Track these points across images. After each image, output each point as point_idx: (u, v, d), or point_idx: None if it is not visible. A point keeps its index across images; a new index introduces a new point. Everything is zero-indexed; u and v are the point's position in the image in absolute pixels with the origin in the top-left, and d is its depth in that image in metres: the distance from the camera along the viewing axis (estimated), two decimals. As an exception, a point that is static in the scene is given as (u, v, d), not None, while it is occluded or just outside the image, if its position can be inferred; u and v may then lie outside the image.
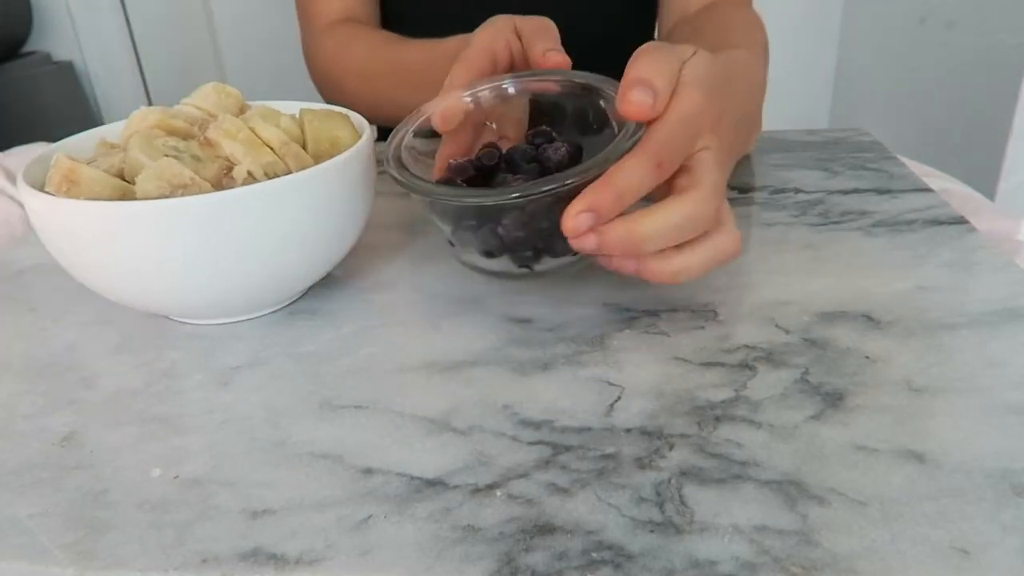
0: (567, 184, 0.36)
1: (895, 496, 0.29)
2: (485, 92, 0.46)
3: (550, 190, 0.36)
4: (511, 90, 0.46)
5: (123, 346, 0.43)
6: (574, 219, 0.35)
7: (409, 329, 0.43)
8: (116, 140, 0.45)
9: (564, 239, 0.37)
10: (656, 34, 0.88)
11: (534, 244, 0.39)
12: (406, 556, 0.28)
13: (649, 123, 0.36)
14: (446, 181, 0.43)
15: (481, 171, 0.43)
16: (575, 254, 0.40)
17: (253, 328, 0.44)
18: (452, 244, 0.42)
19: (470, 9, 0.79)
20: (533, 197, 0.37)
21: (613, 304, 0.44)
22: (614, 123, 0.41)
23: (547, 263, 0.41)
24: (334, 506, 0.30)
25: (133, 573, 0.28)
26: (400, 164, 0.41)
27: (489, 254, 0.41)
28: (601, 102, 0.43)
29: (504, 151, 0.43)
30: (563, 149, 0.41)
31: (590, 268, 0.42)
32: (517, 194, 0.37)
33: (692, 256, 0.37)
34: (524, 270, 0.41)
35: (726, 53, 0.45)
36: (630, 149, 0.36)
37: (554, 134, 0.44)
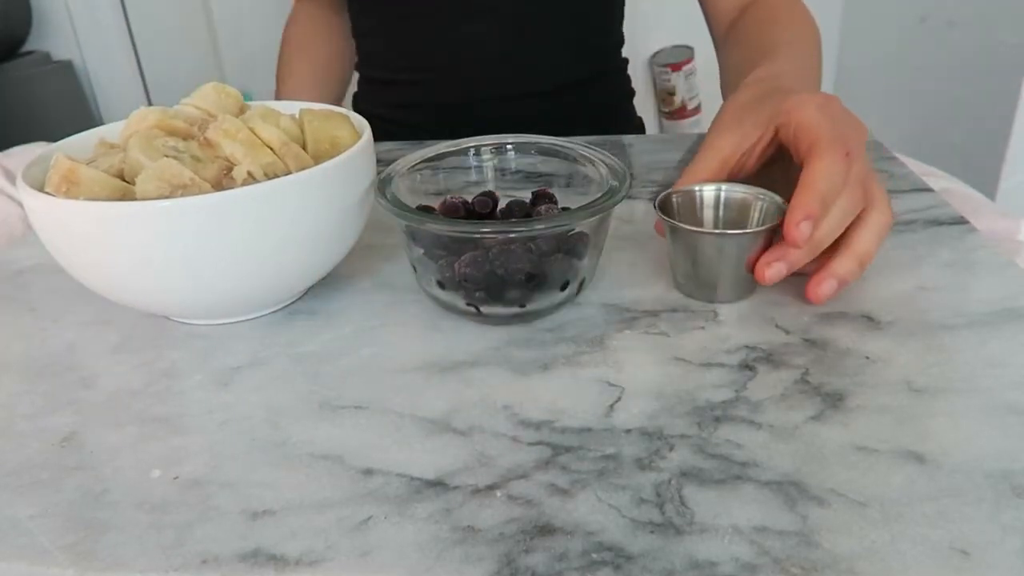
0: (522, 231, 0.37)
1: (895, 497, 0.29)
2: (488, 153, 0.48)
3: (503, 231, 0.38)
4: (512, 154, 0.49)
5: (123, 346, 0.43)
6: (796, 227, 0.38)
7: (409, 329, 0.43)
8: (116, 140, 0.45)
9: (515, 289, 0.40)
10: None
11: (486, 286, 0.40)
12: (406, 557, 0.28)
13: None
14: (425, 209, 0.44)
15: (472, 215, 0.45)
16: (523, 305, 0.41)
17: (253, 328, 0.44)
18: (415, 269, 0.43)
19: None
20: (483, 235, 0.38)
21: (613, 304, 0.44)
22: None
23: (495, 308, 0.41)
24: (334, 507, 0.30)
25: (133, 574, 0.28)
26: (386, 181, 0.43)
27: (441, 285, 0.41)
28: (590, 169, 0.45)
29: (503, 203, 0.46)
30: (555, 210, 0.43)
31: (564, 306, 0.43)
32: (468, 228, 0.38)
33: (863, 236, 0.41)
34: (471, 309, 0.41)
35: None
36: (605, 208, 0.39)
37: (556, 197, 0.45)
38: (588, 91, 0.84)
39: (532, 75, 0.80)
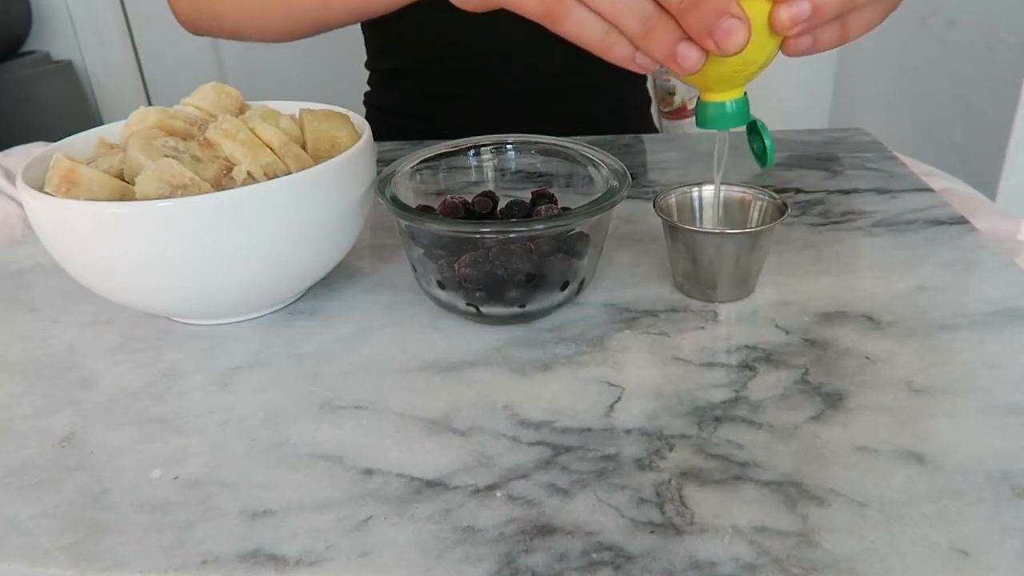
0: (522, 231, 0.37)
1: (895, 497, 0.29)
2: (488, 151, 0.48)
3: (503, 231, 0.38)
4: (512, 154, 0.48)
5: (123, 346, 0.43)
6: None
7: (409, 329, 0.43)
8: (116, 140, 0.45)
9: (515, 289, 0.39)
10: None
11: (486, 286, 0.40)
12: (406, 557, 0.28)
13: None
14: (425, 209, 0.44)
15: (471, 216, 0.45)
16: (523, 305, 0.41)
17: (253, 328, 0.44)
18: (415, 269, 0.43)
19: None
20: (483, 235, 0.38)
21: (613, 304, 0.44)
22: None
23: (495, 308, 0.41)
24: (334, 507, 0.30)
25: (133, 574, 0.28)
26: (386, 181, 0.43)
27: (441, 285, 0.41)
28: (590, 169, 0.45)
29: (503, 203, 0.46)
30: (555, 210, 0.43)
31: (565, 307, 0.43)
32: (468, 228, 0.38)
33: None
34: (471, 309, 0.41)
35: None
36: (605, 208, 0.38)
37: (556, 197, 0.45)
38: (615, 94, 0.83)
39: (558, 74, 0.79)
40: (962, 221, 0.51)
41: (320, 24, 0.62)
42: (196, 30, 0.73)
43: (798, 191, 0.58)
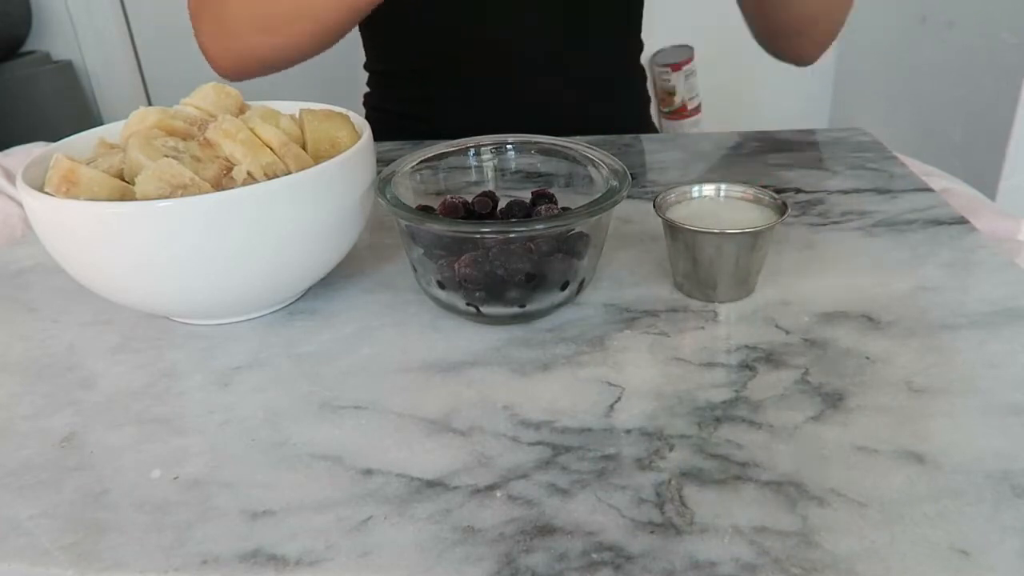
0: (522, 231, 0.37)
1: (895, 497, 0.29)
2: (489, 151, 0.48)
3: (503, 231, 0.38)
4: (512, 154, 0.48)
5: (123, 346, 0.43)
6: None
7: (409, 329, 0.43)
8: (116, 140, 0.45)
9: (515, 289, 0.40)
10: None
11: (486, 286, 0.40)
12: (406, 557, 0.28)
13: None
14: (425, 209, 0.44)
15: (472, 216, 0.45)
16: (523, 305, 0.41)
17: (253, 328, 0.44)
18: (415, 269, 0.43)
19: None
20: (483, 235, 0.38)
21: (613, 304, 0.44)
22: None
23: (495, 308, 0.41)
24: (334, 507, 0.30)
25: (133, 574, 0.28)
26: (386, 181, 0.43)
27: (441, 285, 0.41)
28: (590, 169, 0.45)
29: (503, 203, 0.46)
30: (555, 210, 0.43)
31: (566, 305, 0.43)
32: (468, 228, 0.38)
33: None
34: (471, 309, 0.41)
35: None
36: (605, 208, 0.39)
37: (556, 197, 0.45)
38: (615, 94, 0.83)
39: (559, 75, 0.79)
40: (962, 221, 0.51)
41: (341, 26, 0.61)
42: (236, 75, 0.70)
43: (798, 191, 0.58)
